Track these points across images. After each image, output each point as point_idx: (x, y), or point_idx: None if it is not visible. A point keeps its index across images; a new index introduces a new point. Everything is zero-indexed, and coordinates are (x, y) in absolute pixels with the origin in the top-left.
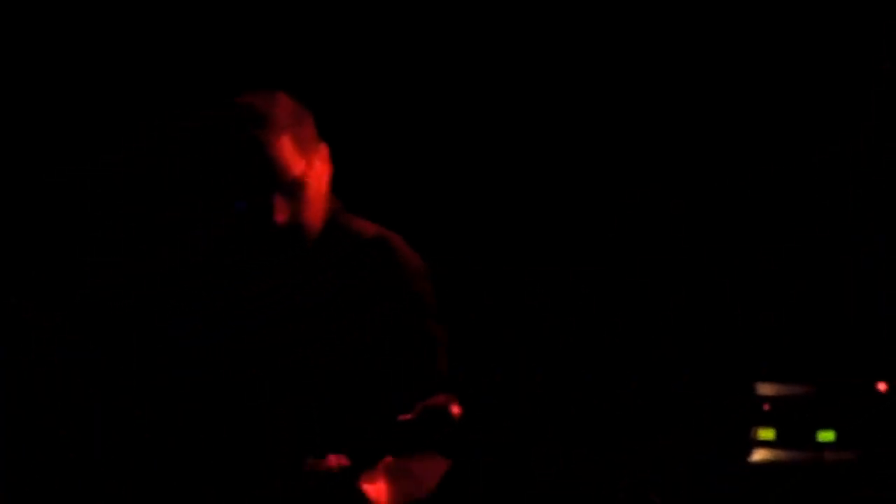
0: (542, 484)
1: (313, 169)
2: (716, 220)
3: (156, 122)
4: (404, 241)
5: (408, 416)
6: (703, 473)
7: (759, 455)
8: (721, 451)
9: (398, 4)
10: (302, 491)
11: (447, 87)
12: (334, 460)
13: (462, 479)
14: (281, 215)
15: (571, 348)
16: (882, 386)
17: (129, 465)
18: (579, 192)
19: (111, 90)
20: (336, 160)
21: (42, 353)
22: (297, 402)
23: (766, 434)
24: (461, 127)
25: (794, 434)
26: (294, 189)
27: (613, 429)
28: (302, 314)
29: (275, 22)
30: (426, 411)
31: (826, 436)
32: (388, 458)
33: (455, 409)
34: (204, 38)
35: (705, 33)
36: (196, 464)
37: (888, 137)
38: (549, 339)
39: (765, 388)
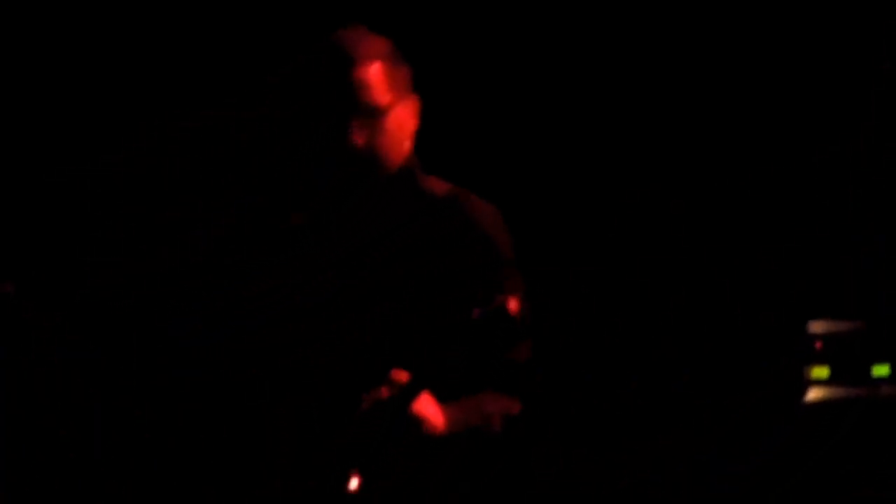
0: (542, 484)
1: (399, 109)
2: (716, 220)
3: (156, 122)
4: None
5: (466, 321)
6: (704, 472)
7: (813, 394)
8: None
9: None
10: (302, 491)
11: (445, 88)
12: (397, 376)
13: (462, 479)
14: (359, 138)
15: (571, 348)
16: None
17: (129, 465)
18: (579, 192)
19: (111, 90)
20: None
21: (42, 353)
22: (297, 401)
23: (820, 372)
24: (460, 127)
25: (848, 371)
26: (375, 116)
27: (613, 429)
28: (302, 313)
29: (284, 18)
30: (484, 312)
31: (881, 370)
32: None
33: (513, 306)
34: (205, 38)
35: (705, 33)
36: (196, 464)
37: (888, 137)
38: (549, 339)
39: (816, 326)
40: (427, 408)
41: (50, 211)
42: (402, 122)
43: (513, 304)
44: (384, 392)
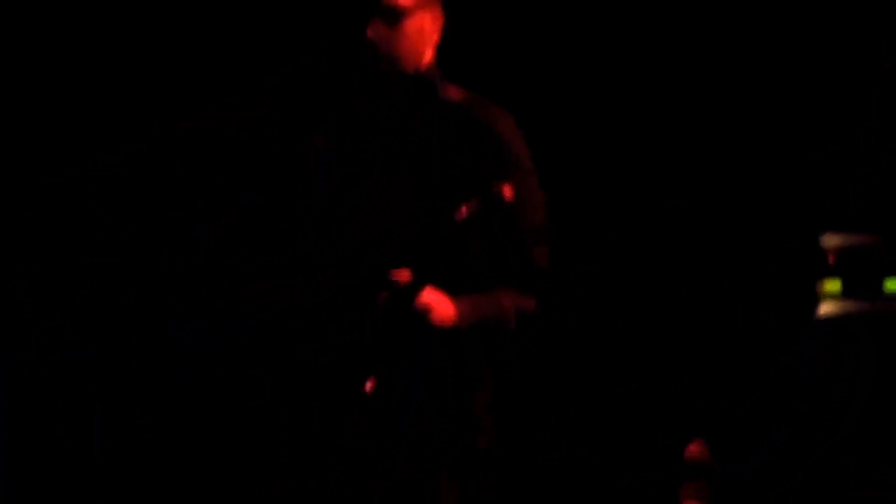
0: (542, 484)
1: (419, 15)
2: (716, 221)
3: (156, 122)
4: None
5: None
6: (703, 473)
7: (826, 308)
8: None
9: None
10: (302, 491)
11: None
12: (398, 275)
13: (463, 479)
14: (372, 31)
15: (571, 348)
16: None
17: (129, 465)
18: (580, 192)
19: (111, 90)
20: None
21: (42, 353)
22: (297, 402)
23: (833, 286)
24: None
25: (861, 285)
26: (394, 15)
27: (613, 429)
28: (303, 313)
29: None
30: (480, 200)
31: (894, 285)
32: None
33: (507, 192)
34: (205, 38)
35: (705, 33)
36: (196, 464)
37: (888, 137)
38: (549, 339)
39: (829, 240)
40: (433, 299)
41: (50, 211)
42: (422, 29)
43: (507, 191)
44: (387, 293)
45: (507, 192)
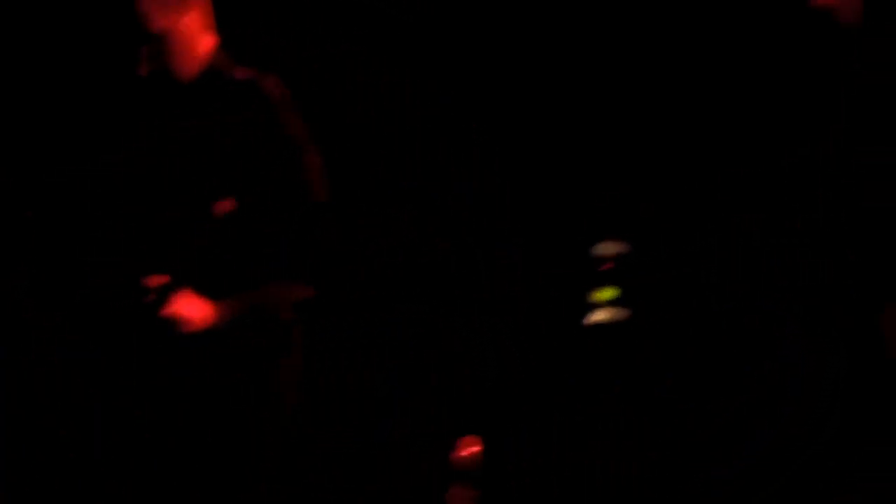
0: (538, 485)
1: (180, 24)
2: (713, 220)
3: (156, 122)
4: (279, 80)
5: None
6: (702, 473)
7: (600, 315)
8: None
9: None
10: (298, 491)
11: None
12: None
13: (463, 480)
14: (143, 69)
15: (571, 348)
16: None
17: (129, 465)
18: (577, 192)
19: (111, 90)
20: None
21: (42, 353)
22: (295, 403)
23: (607, 294)
24: (458, 126)
25: (635, 292)
26: (158, 41)
27: (614, 429)
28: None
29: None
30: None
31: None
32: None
33: (222, 207)
34: None
35: (701, 34)
36: (195, 464)
37: (857, 141)
38: (549, 339)
39: (605, 248)
40: (186, 307)
41: (50, 211)
42: (187, 36)
43: (223, 206)
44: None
45: (223, 206)
